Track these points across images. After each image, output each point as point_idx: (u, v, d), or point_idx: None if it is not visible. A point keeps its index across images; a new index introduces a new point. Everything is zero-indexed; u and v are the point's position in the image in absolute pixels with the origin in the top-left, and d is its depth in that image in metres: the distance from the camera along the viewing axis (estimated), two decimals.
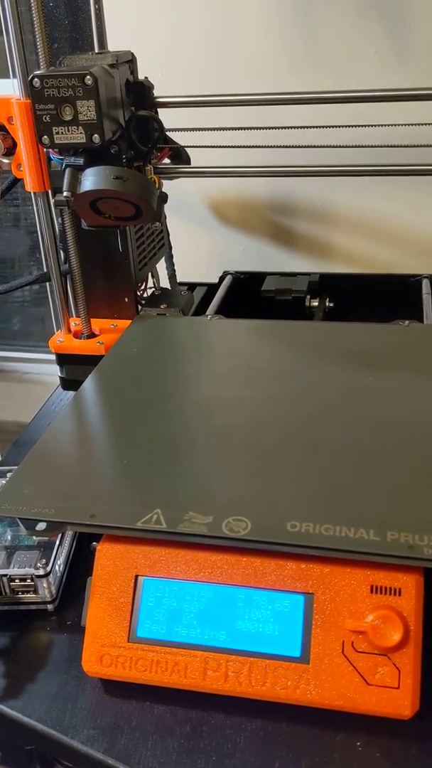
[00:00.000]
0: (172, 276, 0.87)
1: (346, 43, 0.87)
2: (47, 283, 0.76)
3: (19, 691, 0.47)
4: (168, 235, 0.86)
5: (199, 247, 1.04)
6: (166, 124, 0.70)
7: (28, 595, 0.52)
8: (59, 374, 0.78)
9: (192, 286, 0.88)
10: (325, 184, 0.96)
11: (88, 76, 0.58)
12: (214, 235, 1.04)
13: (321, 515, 0.45)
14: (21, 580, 0.51)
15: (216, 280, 0.91)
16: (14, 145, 0.68)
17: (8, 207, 1.39)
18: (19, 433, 0.79)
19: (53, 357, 0.78)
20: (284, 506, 0.46)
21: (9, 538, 0.55)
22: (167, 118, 0.70)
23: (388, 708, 0.42)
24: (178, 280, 0.88)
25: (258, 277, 0.88)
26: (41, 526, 0.47)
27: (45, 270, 0.76)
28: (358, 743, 0.42)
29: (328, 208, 0.98)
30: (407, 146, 0.70)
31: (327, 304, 0.86)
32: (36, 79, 0.60)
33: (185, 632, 0.45)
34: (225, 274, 0.91)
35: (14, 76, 0.66)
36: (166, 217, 0.83)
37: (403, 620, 0.42)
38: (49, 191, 0.69)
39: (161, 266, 0.86)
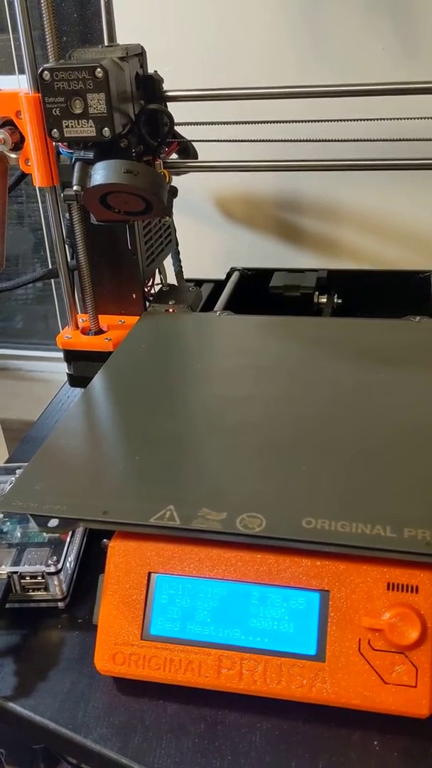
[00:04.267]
0: (179, 272, 0.86)
1: (354, 39, 0.86)
2: (54, 280, 0.76)
3: (31, 689, 0.47)
4: (175, 231, 0.85)
5: (206, 243, 1.03)
6: (174, 119, 0.69)
7: (39, 593, 0.51)
8: (67, 371, 0.77)
9: (199, 283, 0.88)
10: (332, 181, 0.96)
11: (98, 69, 0.58)
12: (221, 231, 1.04)
13: (337, 512, 0.44)
14: (32, 577, 0.51)
15: (223, 277, 0.90)
16: (22, 139, 0.67)
17: (12, 204, 1.38)
18: (23, 431, 0.78)
19: (57, 355, 0.77)
20: (299, 503, 0.45)
21: (19, 535, 0.55)
22: (174, 112, 0.70)
23: (406, 707, 0.41)
24: (185, 277, 0.88)
25: (265, 274, 0.88)
26: (53, 522, 0.47)
27: (52, 266, 0.75)
28: (375, 742, 0.42)
29: (335, 204, 0.98)
30: (415, 140, 0.69)
31: (335, 300, 0.85)
32: (46, 72, 0.59)
33: (199, 630, 0.44)
34: (232, 270, 0.91)
35: (22, 70, 0.65)
36: (173, 213, 0.83)
37: (420, 618, 0.42)
38: (58, 186, 0.68)
39: (168, 263, 0.86)
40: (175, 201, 0.75)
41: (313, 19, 0.87)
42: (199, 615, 0.45)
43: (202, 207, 1.03)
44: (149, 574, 0.46)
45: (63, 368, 0.77)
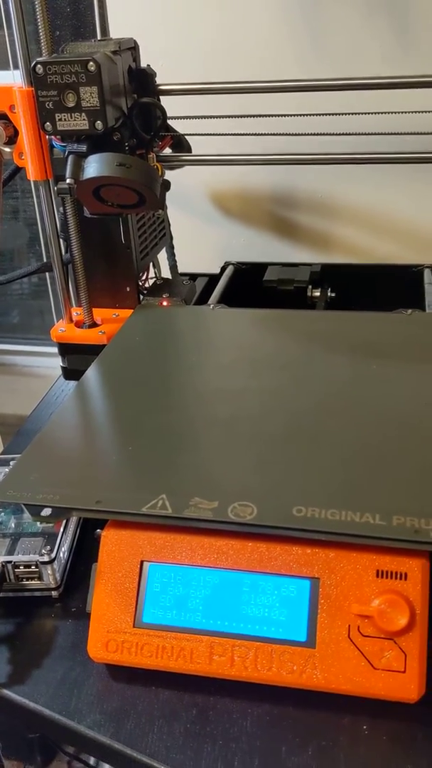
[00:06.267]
0: (173, 266, 0.87)
1: (351, 34, 0.87)
2: (48, 273, 0.76)
3: (25, 677, 0.47)
4: (169, 225, 0.86)
5: (200, 238, 1.04)
6: (168, 113, 0.70)
7: (33, 582, 0.52)
8: (61, 364, 0.77)
9: (193, 277, 0.88)
10: (326, 176, 0.96)
11: (91, 63, 0.58)
12: (216, 226, 1.04)
13: (327, 500, 0.45)
14: (26, 566, 0.51)
15: (217, 271, 0.90)
16: (16, 133, 0.68)
17: (7, 199, 1.39)
18: (19, 426, 0.78)
19: (53, 350, 0.78)
20: (290, 492, 0.46)
21: (13, 525, 0.55)
22: (168, 107, 0.70)
23: (395, 692, 0.42)
24: (179, 272, 0.88)
25: (259, 268, 0.88)
26: (46, 511, 0.47)
27: (46, 260, 0.76)
28: (365, 727, 0.42)
29: (329, 199, 0.98)
30: (410, 134, 0.70)
31: (328, 294, 0.86)
32: (39, 66, 0.60)
33: (191, 617, 0.45)
34: (226, 264, 0.91)
35: (15, 65, 0.66)
36: (167, 207, 0.83)
37: (409, 604, 0.42)
38: (51, 180, 0.69)
39: (162, 257, 0.86)
40: (171, 196, 0.75)
41: (310, 12, 0.88)
42: (191, 603, 0.45)
43: (198, 202, 1.03)
44: (142, 562, 0.46)
45: (59, 363, 0.78)
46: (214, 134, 0.71)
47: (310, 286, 0.84)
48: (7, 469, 0.59)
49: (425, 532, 0.42)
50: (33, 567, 0.51)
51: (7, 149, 0.69)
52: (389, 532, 0.42)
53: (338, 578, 0.43)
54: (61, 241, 0.73)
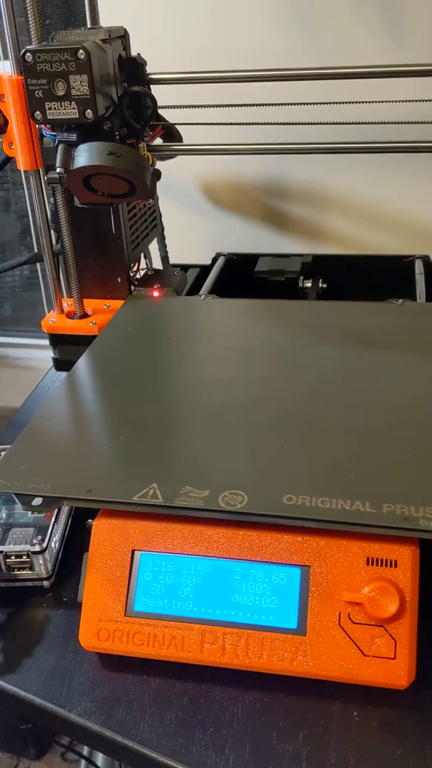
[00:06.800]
0: (164, 257, 0.86)
1: (341, 23, 0.87)
2: (39, 264, 0.76)
3: (17, 666, 0.47)
4: (160, 216, 0.86)
5: (191, 229, 1.04)
6: (159, 103, 0.69)
7: (25, 572, 0.52)
8: (52, 355, 0.77)
9: (185, 268, 0.88)
10: (317, 167, 0.96)
11: (80, 51, 0.58)
12: (207, 217, 1.04)
13: (317, 489, 0.45)
14: (17, 556, 0.51)
15: (209, 262, 0.90)
16: (6, 123, 0.67)
17: None
18: (10, 419, 0.78)
19: (45, 342, 0.78)
20: (281, 480, 0.46)
21: (4, 515, 0.55)
22: (159, 97, 0.70)
23: (385, 678, 0.42)
24: (170, 263, 0.88)
25: (251, 259, 0.88)
26: (37, 501, 0.47)
27: (37, 250, 0.75)
28: (355, 713, 0.43)
29: (321, 190, 0.98)
30: (399, 123, 0.70)
31: (320, 285, 0.86)
32: (28, 54, 0.59)
33: (182, 606, 0.45)
34: (218, 255, 0.91)
35: (5, 53, 0.65)
36: (158, 198, 0.83)
37: (399, 591, 0.42)
38: (41, 170, 0.68)
39: (154, 248, 0.86)
40: (163, 187, 0.75)
41: (301, 5, 0.87)
42: (182, 591, 0.45)
43: (189, 194, 1.03)
44: (133, 551, 0.46)
45: (50, 355, 0.78)
46: (205, 123, 0.70)
47: (301, 277, 0.84)
48: None
49: (415, 519, 0.42)
50: (24, 557, 0.51)
51: None
52: (379, 519, 0.42)
53: (329, 566, 0.44)
54: (51, 231, 0.73)
